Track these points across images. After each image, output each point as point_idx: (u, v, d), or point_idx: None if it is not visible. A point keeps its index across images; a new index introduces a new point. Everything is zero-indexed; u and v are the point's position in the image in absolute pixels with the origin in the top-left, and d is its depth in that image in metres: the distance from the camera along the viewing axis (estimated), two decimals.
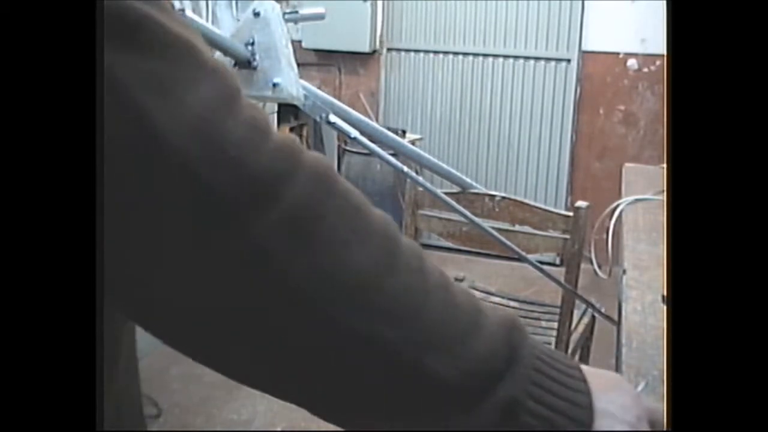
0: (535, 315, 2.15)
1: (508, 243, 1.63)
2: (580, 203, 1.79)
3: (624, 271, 1.39)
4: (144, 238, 0.41)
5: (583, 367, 0.52)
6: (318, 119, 1.51)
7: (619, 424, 0.49)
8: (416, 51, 4.02)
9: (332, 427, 0.50)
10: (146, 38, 0.41)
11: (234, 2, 1.61)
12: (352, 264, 0.44)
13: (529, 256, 1.70)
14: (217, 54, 1.53)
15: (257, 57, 1.47)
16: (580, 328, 2.06)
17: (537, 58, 3.79)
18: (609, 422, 0.49)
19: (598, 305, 1.99)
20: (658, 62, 3.61)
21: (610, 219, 1.87)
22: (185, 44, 0.43)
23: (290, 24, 1.60)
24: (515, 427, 0.47)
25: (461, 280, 2.32)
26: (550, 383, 0.49)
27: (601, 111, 3.79)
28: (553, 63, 3.77)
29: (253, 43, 1.48)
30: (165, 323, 0.45)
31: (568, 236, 1.79)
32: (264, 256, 0.42)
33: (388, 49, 4.07)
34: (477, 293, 2.26)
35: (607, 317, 1.83)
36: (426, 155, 1.91)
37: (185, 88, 0.42)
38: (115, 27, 0.40)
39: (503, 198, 1.86)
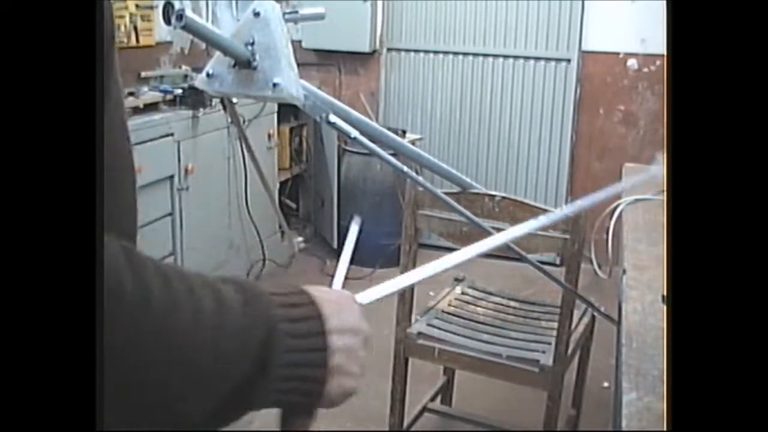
0: (535, 315, 2.15)
1: (509, 243, 1.63)
2: None
3: (624, 271, 1.39)
4: None
5: (315, 294, 0.59)
6: (318, 119, 1.51)
7: (350, 362, 0.60)
8: (416, 51, 4.01)
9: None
10: None
11: (234, 2, 1.60)
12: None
13: (529, 256, 1.70)
14: (217, 54, 1.53)
15: (257, 57, 1.47)
16: (580, 328, 2.06)
17: (537, 58, 3.79)
18: (340, 358, 0.59)
19: (598, 305, 1.99)
20: (658, 62, 3.61)
21: (610, 219, 1.87)
22: None
23: (290, 24, 1.60)
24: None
25: (461, 280, 2.32)
26: (297, 364, 0.56)
27: (601, 111, 3.79)
28: (553, 63, 3.76)
29: (253, 43, 1.48)
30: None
31: (568, 236, 1.79)
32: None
33: (388, 49, 4.07)
34: (477, 293, 2.26)
35: (607, 317, 1.83)
36: (426, 155, 1.91)
37: None
38: None
39: (503, 198, 1.86)
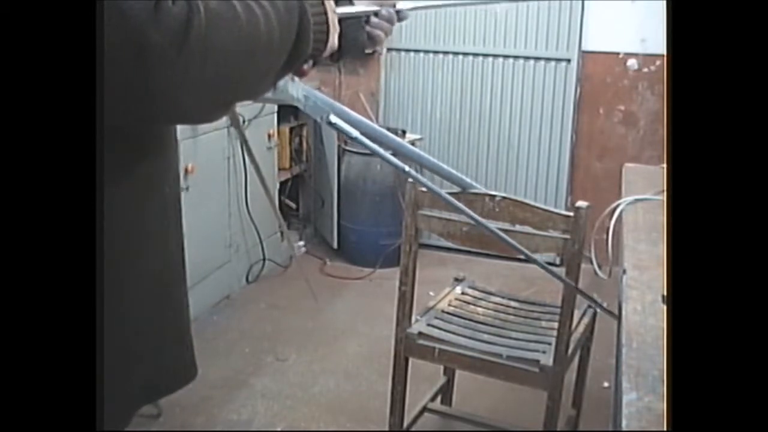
0: (535, 315, 2.15)
1: (514, 243, 1.63)
2: (580, 203, 1.79)
3: (624, 271, 1.39)
4: None
5: None
6: (318, 120, 1.51)
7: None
8: (416, 51, 4.01)
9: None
10: None
11: None
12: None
13: None
14: None
15: None
16: (581, 328, 2.06)
17: (537, 58, 3.79)
18: (332, 25, 1.02)
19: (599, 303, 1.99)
20: (658, 62, 3.61)
21: (610, 219, 1.87)
22: None
23: None
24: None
25: (461, 280, 2.32)
26: (315, 30, 0.97)
27: (601, 111, 3.79)
28: (553, 63, 3.76)
29: None
30: None
31: (568, 236, 1.78)
32: None
33: (388, 49, 4.06)
34: (477, 293, 2.26)
35: (609, 312, 1.83)
36: (426, 155, 1.91)
37: None
38: None
39: (503, 198, 1.86)
